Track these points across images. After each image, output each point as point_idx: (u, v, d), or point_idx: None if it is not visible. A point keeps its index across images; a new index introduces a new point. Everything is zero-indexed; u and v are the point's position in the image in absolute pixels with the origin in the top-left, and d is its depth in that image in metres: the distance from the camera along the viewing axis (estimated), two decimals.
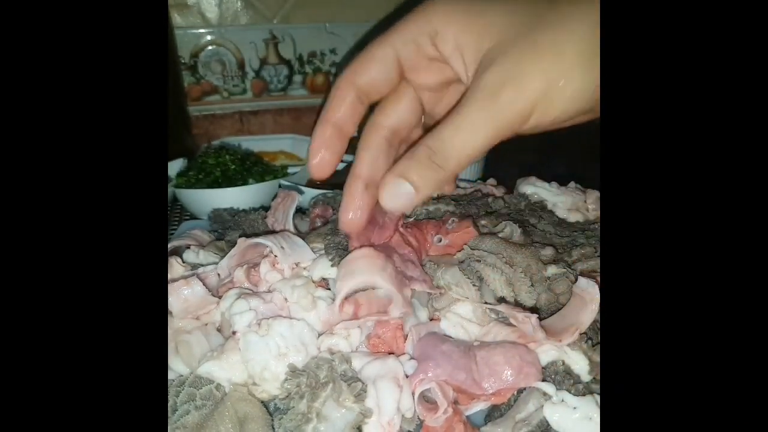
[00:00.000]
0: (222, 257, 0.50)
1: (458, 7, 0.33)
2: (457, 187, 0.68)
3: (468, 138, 0.31)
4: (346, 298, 0.41)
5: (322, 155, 0.36)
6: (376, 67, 0.35)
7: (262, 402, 0.40)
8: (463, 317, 0.44)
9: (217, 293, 0.47)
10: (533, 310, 0.43)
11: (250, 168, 0.79)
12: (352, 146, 1.10)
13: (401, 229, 0.51)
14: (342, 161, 0.97)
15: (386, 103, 0.38)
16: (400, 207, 0.34)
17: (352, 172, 0.38)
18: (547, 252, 0.49)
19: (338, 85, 0.36)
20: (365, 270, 0.41)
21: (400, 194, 0.32)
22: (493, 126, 0.30)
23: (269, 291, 0.46)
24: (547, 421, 0.36)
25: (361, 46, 0.98)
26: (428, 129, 0.36)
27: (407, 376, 0.39)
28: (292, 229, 0.56)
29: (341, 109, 0.36)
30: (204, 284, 0.46)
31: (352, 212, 0.37)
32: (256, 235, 0.53)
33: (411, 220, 0.56)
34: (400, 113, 0.37)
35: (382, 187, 0.33)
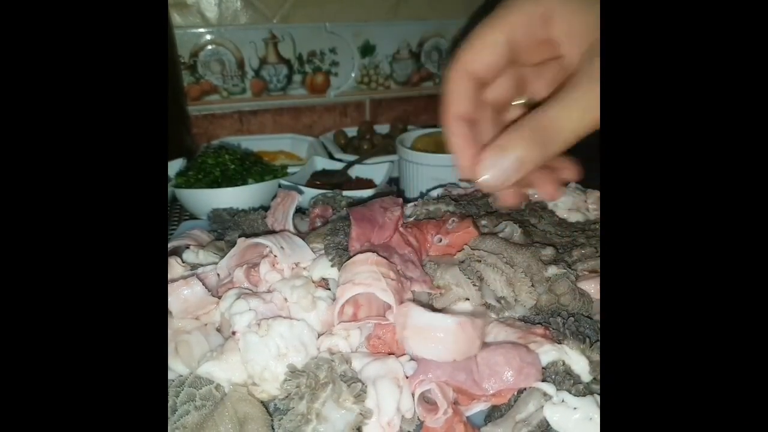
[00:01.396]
0: (222, 257, 0.50)
1: None
2: (457, 187, 0.68)
3: (577, 117, 0.30)
4: (347, 300, 0.41)
5: (469, 153, 0.34)
6: (489, 52, 0.34)
7: (261, 402, 0.40)
8: None
9: (216, 293, 0.47)
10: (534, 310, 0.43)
11: (249, 168, 0.78)
12: (352, 147, 1.09)
13: (401, 229, 0.51)
14: (341, 161, 0.96)
15: (475, 48, 0.35)
16: (499, 179, 0.32)
17: (449, 114, 0.35)
18: (548, 252, 0.49)
19: (453, 75, 0.35)
20: (365, 280, 0.41)
21: (504, 166, 0.31)
22: (594, 108, 0.29)
23: (269, 291, 0.46)
24: (547, 422, 0.36)
25: (361, 45, 0.96)
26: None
27: (407, 377, 0.39)
28: (292, 229, 0.56)
29: (465, 102, 0.35)
30: (204, 284, 0.46)
31: (457, 138, 0.35)
32: (256, 235, 0.52)
33: (411, 220, 0.56)
34: (489, 58, 0.35)
35: (483, 157, 0.32)
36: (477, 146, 0.34)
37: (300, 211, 0.63)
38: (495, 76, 0.36)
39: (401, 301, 0.41)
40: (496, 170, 0.31)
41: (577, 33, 0.32)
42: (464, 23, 1.13)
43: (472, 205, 0.59)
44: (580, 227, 0.57)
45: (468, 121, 0.35)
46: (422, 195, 0.77)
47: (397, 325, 0.41)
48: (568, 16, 0.32)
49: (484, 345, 0.41)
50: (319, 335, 0.43)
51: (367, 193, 0.72)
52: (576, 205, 0.61)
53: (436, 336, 0.39)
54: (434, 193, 0.67)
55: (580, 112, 0.30)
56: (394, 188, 0.85)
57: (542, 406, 0.37)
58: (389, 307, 0.41)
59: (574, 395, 0.36)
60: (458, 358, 0.39)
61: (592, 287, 0.47)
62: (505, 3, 0.34)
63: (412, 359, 0.41)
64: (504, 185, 0.32)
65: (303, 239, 0.51)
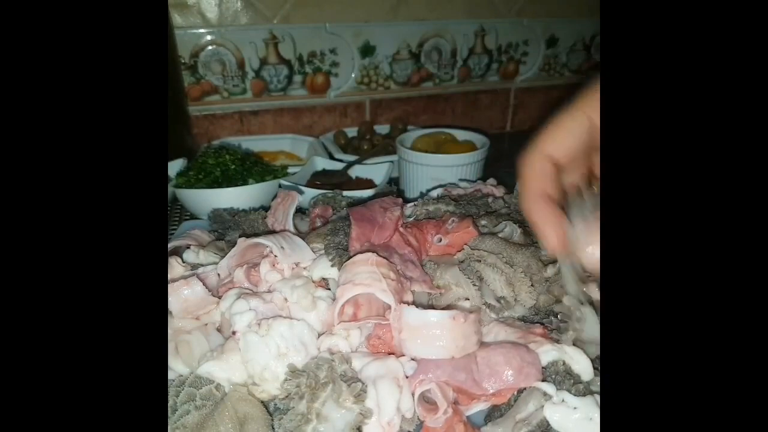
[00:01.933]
0: (222, 257, 0.50)
1: None
2: (457, 187, 0.68)
3: None
4: (347, 300, 0.41)
5: (559, 231, 0.35)
6: (569, 138, 0.34)
7: (262, 402, 0.40)
8: None
9: (217, 293, 0.47)
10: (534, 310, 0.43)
11: (250, 168, 0.79)
12: (352, 147, 1.09)
13: (401, 229, 0.51)
14: (341, 161, 0.96)
15: (555, 133, 0.35)
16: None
17: (530, 192, 0.35)
18: (547, 252, 0.49)
19: (531, 158, 0.35)
20: (365, 281, 0.41)
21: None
22: None
23: (269, 291, 0.46)
24: (547, 421, 0.36)
25: (361, 46, 0.96)
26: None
27: (407, 377, 0.39)
28: (292, 229, 0.56)
29: (545, 181, 0.34)
30: (204, 284, 0.46)
31: (557, 234, 0.35)
32: (256, 235, 0.53)
33: (411, 220, 0.56)
34: (570, 143, 0.35)
35: (585, 251, 0.33)
36: (561, 221, 0.34)
37: (300, 211, 0.63)
38: (576, 159, 0.35)
39: (401, 302, 0.41)
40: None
41: None
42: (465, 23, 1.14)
43: (472, 205, 0.59)
44: None
45: (551, 200, 0.35)
46: (422, 195, 0.77)
47: (394, 331, 0.41)
48: None
49: (484, 345, 0.41)
50: (319, 335, 0.43)
51: (367, 193, 0.72)
52: None
53: (433, 333, 0.39)
54: (434, 193, 0.67)
55: None
56: (394, 188, 0.85)
57: (542, 406, 0.37)
58: (389, 307, 0.41)
59: (574, 395, 0.36)
60: (457, 355, 0.39)
61: (592, 288, 0.47)
62: (589, 88, 0.34)
63: (412, 359, 0.41)
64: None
65: (303, 239, 0.51)
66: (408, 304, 0.42)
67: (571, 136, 0.34)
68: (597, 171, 0.38)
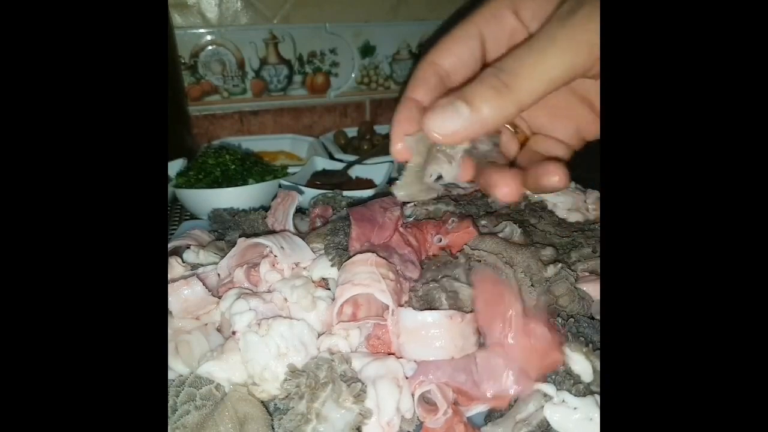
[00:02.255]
0: (222, 257, 0.50)
1: None
2: (457, 187, 0.68)
3: (545, 56, 0.27)
4: (346, 300, 0.41)
5: (403, 130, 0.32)
6: (460, 47, 0.34)
7: (262, 402, 0.40)
8: None
9: (217, 293, 0.47)
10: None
11: (250, 168, 0.79)
12: (352, 147, 1.09)
13: (401, 229, 0.51)
14: (341, 161, 0.96)
15: (446, 43, 0.34)
16: (451, 132, 0.27)
17: (404, 96, 0.33)
18: (547, 252, 0.49)
19: (421, 66, 0.34)
20: (364, 281, 0.41)
21: (454, 116, 0.27)
22: (571, 49, 0.27)
23: (269, 291, 0.46)
24: (547, 422, 0.36)
25: (361, 46, 0.96)
26: None
27: (407, 378, 0.39)
28: (292, 229, 0.56)
29: (423, 90, 0.33)
30: (204, 284, 0.46)
31: (402, 137, 0.32)
32: (256, 235, 0.52)
33: (411, 220, 0.56)
34: (458, 51, 0.34)
35: (430, 110, 0.28)
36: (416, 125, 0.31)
37: (300, 211, 0.63)
38: (466, 73, 0.34)
39: (400, 302, 0.41)
40: (448, 123, 0.27)
41: (545, 12, 0.30)
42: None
43: (472, 205, 0.59)
44: (579, 227, 0.57)
45: (419, 108, 0.32)
46: None
47: (392, 336, 0.41)
48: (536, 5, 0.31)
49: (483, 347, 0.41)
50: (319, 335, 0.43)
51: (367, 193, 0.72)
52: (576, 206, 0.61)
53: (431, 334, 0.39)
54: None
55: (545, 50, 0.27)
56: None
57: (542, 406, 0.37)
58: (388, 308, 0.41)
59: (575, 395, 0.37)
60: (456, 355, 0.39)
61: (591, 289, 0.47)
62: (486, 4, 0.34)
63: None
64: (455, 139, 0.28)
65: (303, 239, 0.51)
66: (405, 305, 0.42)
67: (461, 46, 0.33)
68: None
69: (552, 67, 0.27)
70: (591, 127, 0.36)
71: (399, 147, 0.32)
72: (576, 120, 0.36)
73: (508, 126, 0.37)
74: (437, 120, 0.28)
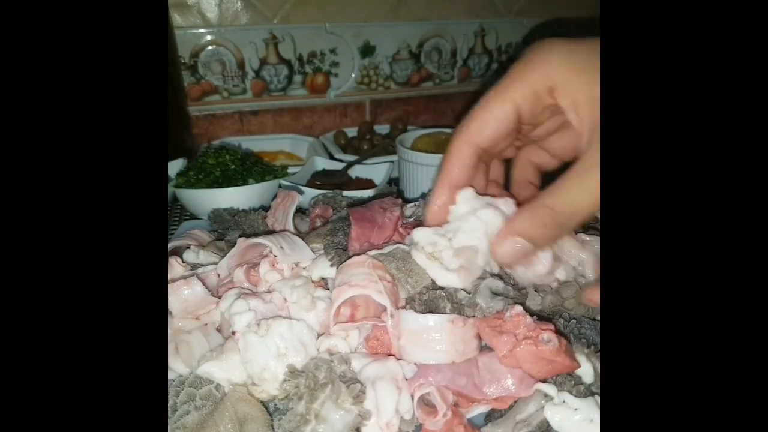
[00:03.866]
0: (222, 257, 0.50)
1: (574, 61, 0.32)
2: None
3: (590, 197, 0.31)
4: (343, 302, 0.41)
5: (438, 215, 0.38)
6: (496, 125, 0.35)
7: (261, 402, 0.40)
8: None
9: (216, 293, 0.47)
10: (534, 312, 0.43)
11: (250, 168, 0.78)
12: (352, 147, 1.08)
13: (401, 230, 0.51)
14: (342, 161, 0.96)
15: (483, 119, 0.36)
16: (513, 262, 0.35)
17: (442, 176, 0.38)
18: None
19: (458, 146, 0.36)
20: (361, 282, 0.41)
21: (517, 251, 0.34)
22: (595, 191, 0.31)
23: (269, 291, 0.46)
24: (547, 422, 0.36)
25: (361, 46, 0.96)
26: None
27: (407, 380, 0.39)
28: (292, 229, 0.56)
29: (462, 173, 0.37)
30: (204, 284, 0.46)
31: (437, 206, 0.39)
32: (256, 235, 0.52)
33: (411, 220, 0.56)
34: (495, 130, 0.36)
35: (498, 243, 0.35)
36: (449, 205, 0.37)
37: (300, 211, 0.63)
38: (502, 146, 0.37)
39: (397, 304, 0.41)
40: (512, 256, 0.35)
41: (582, 106, 0.32)
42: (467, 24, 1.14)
43: None
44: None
45: (455, 189, 0.38)
46: (422, 195, 0.77)
47: (392, 338, 0.41)
48: (573, 89, 0.33)
49: (486, 350, 0.41)
50: (319, 335, 0.43)
51: (367, 193, 0.72)
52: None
53: (432, 338, 0.39)
54: None
55: (590, 191, 0.31)
56: (394, 188, 0.85)
57: (543, 407, 0.37)
58: (385, 309, 0.41)
59: (575, 396, 0.36)
60: (457, 359, 0.39)
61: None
62: (512, 73, 0.34)
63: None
64: (519, 262, 0.35)
65: (303, 239, 0.51)
66: (404, 308, 0.42)
67: (497, 122, 0.35)
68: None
69: (591, 207, 0.32)
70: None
71: (432, 223, 0.39)
72: (575, 140, 0.37)
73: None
74: (504, 255, 0.36)
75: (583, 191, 0.31)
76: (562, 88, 0.33)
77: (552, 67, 0.33)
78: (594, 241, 0.49)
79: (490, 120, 0.35)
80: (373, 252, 0.45)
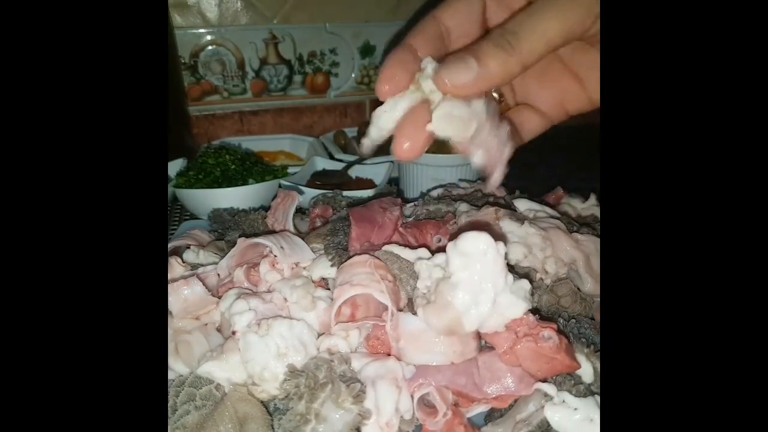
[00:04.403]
0: (222, 257, 0.50)
1: None
2: (457, 187, 0.68)
3: (544, 18, 0.29)
4: (344, 301, 0.41)
5: (394, 72, 0.32)
6: (465, 7, 0.34)
7: (261, 402, 0.40)
8: None
9: (216, 293, 0.47)
10: (534, 311, 0.43)
11: (250, 168, 0.79)
12: (352, 147, 1.08)
13: (401, 229, 0.51)
14: (341, 161, 0.96)
15: (452, 2, 0.35)
16: (461, 84, 0.29)
17: (403, 41, 0.34)
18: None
19: (425, 19, 0.35)
20: (362, 282, 0.41)
21: (464, 70, 0.29)
22: (569, 10, 0.29)
23: (269, 291, 0.46)
24: (547, 422, 0.36)
25: (361, 46, 0.95)
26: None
27: (407, 380, 0.39)
28: (292, 229, 0.56)
29: (423, 40, 0.34)
30: (204, 284, 0.46)
31: (392, 78, 0.32)
32: (256, 235, 0.52)
33: (411, 220, 0.56)
34: (463, 15, 0.35)
35: (443, 65, 0.30)
36: (404, 70, 0.32)
37: (300, 211, 0.63)
38: (463, 38, 0.34)
39: (398, 304, 0.41)
40: (459, 76, 0.29)
41: None
42: None
43: (473, 206, 0.59)
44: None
45: (413, 52, 0.33)
46: (422, 195, 0.77)
47: (392, 340, 0.41)
48: None
49: (486, 350, 0.41)
50: (319, 335, 0.43)
51: (367, 193, 0.72)
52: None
53: (431, 339, 0.39)
54: (434, 193, 0.66)
55: (546, 12, 0.29)
56: (394, 188, 0.85)
57: (543, 407, 0.37)
58: (386, 309, 0.41)
59: (575, 396, 0.36)
60: (456, 360, 0.39)
61: None
62: None
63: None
64: (463, 93, 0.30)
65: (303, 239, 0.51)
66: (406, 309, 0.42)
67: (466, 7, 0.34)
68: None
69: (551, 27, 0.29)
70: (574, 100, 0.37)
71: (386, 88, 0.32)
72: (562, 91, 0.37)
73: (495, 94, 0.38)
74: (449, 72, 0.30)
75: (535, 12, 0.29)
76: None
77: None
78: (588, 241, 0.49)
79: (457, 1, 0.34)
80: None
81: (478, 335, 0.40)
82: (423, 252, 0.43)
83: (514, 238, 0.46)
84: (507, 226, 0.48)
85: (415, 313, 0.40)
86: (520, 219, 0.50)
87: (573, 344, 0.40)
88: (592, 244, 0.49)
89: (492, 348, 0.40)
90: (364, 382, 0.37)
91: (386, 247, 0.45)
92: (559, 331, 0.39)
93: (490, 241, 0.34)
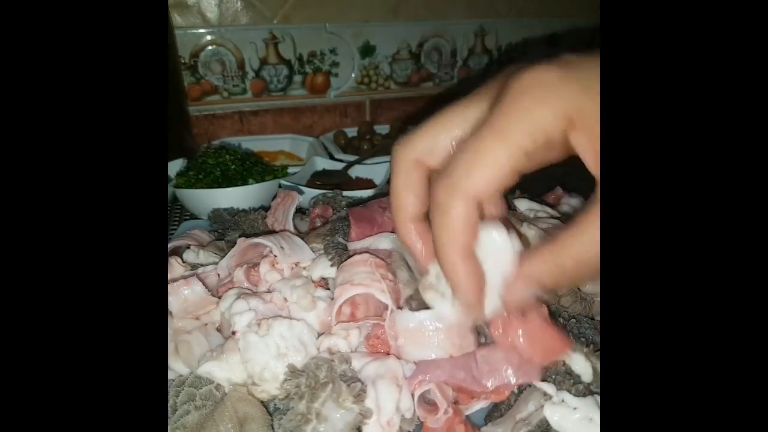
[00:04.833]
0: (222, 257, 0.50)
1: (592, 89, 0.27)
2: None
3: (590, 242, 0.28)
4: (344, 301, 0.41)
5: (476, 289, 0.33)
6: (499, 175, 0.29)
7: (262, 402, 0.40)
8: None
9: (216, 293, 0.47)
10: None
11: (250, 168, 0.78)
12: (352, 147, 1.08)
13: None
14: (341, 161, 0.96)
15: (480, 168, 0.30)
16: (524, 305, 0.33)
17: (399, 210, 0.34)
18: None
19: (456, 209, 0.30)
20: (363, 281, 0.41)
21: (529, 296, 0.31)
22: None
23: (269, 291, 0.46)
24: (547, 421, 0.36)
25: (361, 46, 0.95)
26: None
27: (406, 378, 0.39)
28: (292, 229, 0.56)
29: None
30: (204, 284, 0.46)
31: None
32: (256, 235, 0.53)
33: None
34: (498, 181, 0.30)
35: (514, 290, 0.32)
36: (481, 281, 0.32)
37: (300, 211, 0.63)
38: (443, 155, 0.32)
39: (398, 302, 0.41)
40: (525, 301, 0.32)
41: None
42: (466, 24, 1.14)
43: None
44: None
45: (416, 219, 0.34)
46: None
47: (390, 339, 0.41)
48: (593, 123, 0.27)
49: (484, 344, 0.41)
50: (319, 335, 0.43)
51: (367, 193, 0.72)
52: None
53: (428, 332, 0.39)
54: None
55: (589, 236, 0.28)
56: None
57: (542, 406, 0.37)
58: (387, 308, 0.41)
59: (575, 395, 0.36)
60: (455, 353, 0.39)
61: None
62: (505, 109, 0.28)
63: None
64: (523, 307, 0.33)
65: (303, 239, 0.51)
66: (404, 307, 0.42)
67: (500, 171, 0.29)
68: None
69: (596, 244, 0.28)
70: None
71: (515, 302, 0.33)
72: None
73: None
74: (519, 301, 0.32)
75: (591, 245, 0.27)
76: (581, 122, 0.27)
77: (566, 97, 0.27)
78: None
79: (492, 170, 0.29)
80: (381, 247, 0.45)
81: (475, 329, 0.40)
82: None
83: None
84: None
85: (413, 310, 0.40)
86: (521, 219, 0.50)
87: (573, 343, 0.40)
88: None
89: (489, 343, 0.40)
90: (364, 381, 0.37)
91: (381, 235, 0.45)
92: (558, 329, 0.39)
93: (504, 232, 0.33)
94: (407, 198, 0.34)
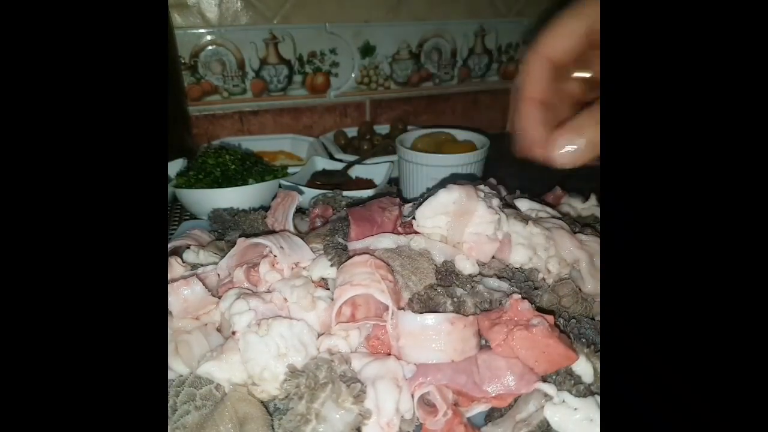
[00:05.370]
0: (222, 257, 0.50)
1: None
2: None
3: None
4: (344, 301, 0.41)
5: (540, 135, 0.35)
6: (568, 39, 0.35)
7: (261, 402, 0.40)
8: None
9: (216, 293, 0.47)
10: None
11: (250, 168, 0.79)
12: (352, 147, 1.08)
13: (400, 229, 0.51)
14: (342, 161, 0.96)
15: (554, 31, 0.36)
16: (572, 158, 0.33)
17: (524, 96, 0.37)
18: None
19: (532, 60, 0.36)
20: (363, 282, 0.41)
21: (579, 146, 0.33)
22: None
23: (269, 291, 0.46)
24: (547, 422, 0.36)
25: (361, 46, 0.95)
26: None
27: (407, 379, 0.39)
28: (292, 229, 0.56)
29: (540, 86, 0.36)
30: (204, 284, 0.46)
31: (531, 124, 0.36)
32: (256, 235, 0.52)
33: (409, 219, 0.56)
34: (568, 44, 0.36)
35: (559, 136, 0.34)
36: (547, 128, 0.35)
37: (300, 211, 0.63)
38: (573, 59, 0.37)
39: (398, 304, 0.41)
40: (571, 149, 0.33)
41: None
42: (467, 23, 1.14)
43: None
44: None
45: (541, 105, 0.36)
46: (422, 195, 0.77)
47: (392, 339, 0.41)
48: None
49: (486, 348, 0.41)
50: (319, 335, 0.43)
51: (367, 193, 0.72)
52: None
53: (430, 338, 0.39)
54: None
55: None
56: (394, 188, 0.85)
57: (543, 407, 0.37)
58: (387, 308, 0.41)
59: (575, 396, 0.36)
60: (456, 358, 0.39)
61: None
62: None
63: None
64: (576, 163, 0.34)
65: (303, 239, 0.51)
66: (406, 308, 0.42)
67: (570, 37, 0.35)
68: (596, 69, 0.38)
69: None
70: None
71: (562, 155, 0.35)
72: None
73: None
74: (560, 154, 0.34)
75: None
76: None
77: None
78: (591, 241, 0.49)
79: (563, 34, 0.35)
80: (381, 247, 0.45)
81: (478, 332, 0.40)
82: None
83: (519, 239, 0.47)
84: (511, 225, 0.48)
85: (415, 312, 0.40)
86: (524, 219, 0.50)
87: (573, 344, 0.40)
88: (596, 244, 0.49)
89: (490, 348, 0.40)
90: (364, 382, 0.37)
91: (381, 235, 0.45)
92: (559, 330, 0.39)
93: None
94: (536, 84, 0.37)
